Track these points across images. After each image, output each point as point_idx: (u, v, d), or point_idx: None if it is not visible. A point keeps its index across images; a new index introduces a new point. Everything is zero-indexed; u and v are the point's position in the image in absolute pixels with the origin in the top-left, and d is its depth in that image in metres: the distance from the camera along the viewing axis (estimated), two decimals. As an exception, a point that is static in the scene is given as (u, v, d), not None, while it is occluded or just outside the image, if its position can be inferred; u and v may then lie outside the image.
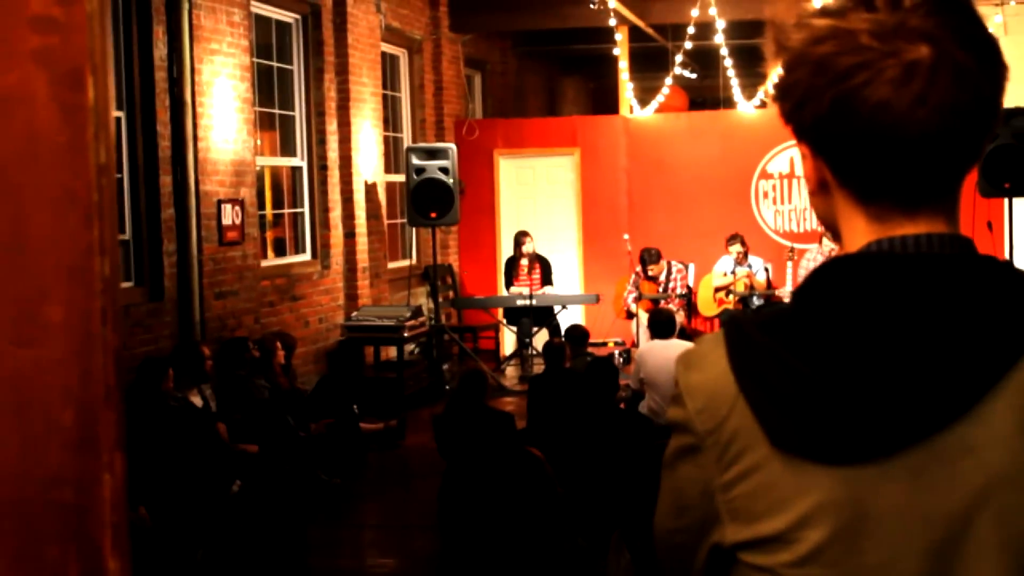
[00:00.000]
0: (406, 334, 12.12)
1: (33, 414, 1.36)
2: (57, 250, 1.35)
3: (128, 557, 1.41)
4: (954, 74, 1.39)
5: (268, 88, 11.86)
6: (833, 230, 1.54)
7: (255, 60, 11.08)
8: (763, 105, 18.28)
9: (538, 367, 11.61)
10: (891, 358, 1.38)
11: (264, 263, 11.33)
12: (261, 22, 11.51)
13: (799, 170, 15.34)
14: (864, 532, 1.38)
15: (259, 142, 11.29)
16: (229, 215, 10.21)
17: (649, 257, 13.97)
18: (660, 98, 17.65)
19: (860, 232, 1.46)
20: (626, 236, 14.92)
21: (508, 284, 14.52)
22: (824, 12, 1.46)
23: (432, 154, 12.99)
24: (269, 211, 11.92)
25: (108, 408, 1.37)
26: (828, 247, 13.56)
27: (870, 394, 1.37)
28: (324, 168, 12.57)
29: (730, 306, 13.60)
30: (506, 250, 15.03)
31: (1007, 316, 1.39)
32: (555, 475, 6.56)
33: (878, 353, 1.38)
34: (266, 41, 11.80)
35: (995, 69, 1.44)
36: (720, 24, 14.19)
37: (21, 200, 1.36)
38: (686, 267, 14.36)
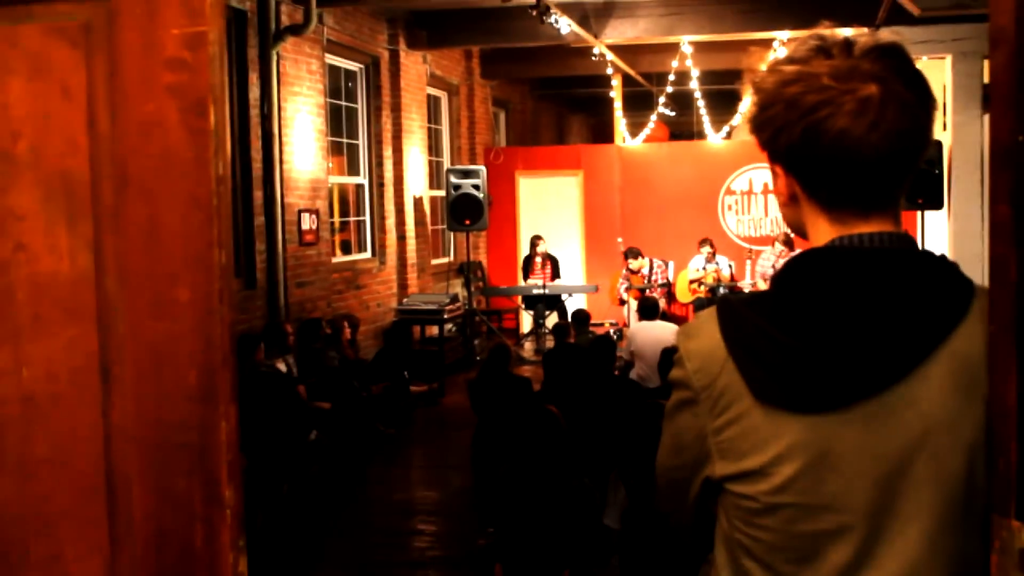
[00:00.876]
0: (445, 316, 12.12)
1: (166, 374, 1.37)
2: (185, 244, 1.36)
3: (240, 488, 1.40)
4: (899, 106, 1.39)
5: (338, 122, 11.84)
6: (800, 232, 1.52)
7: (328, 100, 11.06)
8: (728, 136, 18.20)
9: (550, 342, 11.57)
10: (850, 329, 1.37)
11: (334, 260, 11.31)
12: (333, 70, 11.49)
13: (757, 188, 15.32)
14: (826, 467, 1.37)
15: (331, 164, 11.27)
16: (307, 222, 10.21)
17: (630, 253, 13.95)
18: (646, 131, 17.66)
19: (825, 232, 1.45)
20: (619, 239, 14.86)
21: (525, 276, 14.46)
22: (791, 60, 1.45)
23: (466, 174, 12.95)
24: (337, 219, 11.90)
25: (224, 369, 1.37)
26: (779, 248, 13.50)
27: (833, 358, 1.37)
28: (381, 185, 12.56)
29: (701, 295, 13.55)
30: (524, 250, 14.99)
31: (941, 297, 1.39)
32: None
33: (840, 325, 1.37)
34: (336, 85, 11.78)
35: (929, 102, 1.44)
36: (695, 73, 14.13)
37: (157, 204, 1.36)
38: (666, 264, 14.31)
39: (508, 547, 2.93)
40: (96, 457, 1.39)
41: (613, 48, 12.97)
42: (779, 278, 1.45)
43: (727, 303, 1.48)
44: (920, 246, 1.46)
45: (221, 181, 1.34)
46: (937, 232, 11.66)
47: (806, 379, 1.38)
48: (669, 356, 7.11)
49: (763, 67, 1.47)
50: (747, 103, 1.55)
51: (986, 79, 11.27)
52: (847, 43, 1.41)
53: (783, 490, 1.38)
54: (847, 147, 1.38)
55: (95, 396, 1.39)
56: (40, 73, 1.38)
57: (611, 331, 13.02)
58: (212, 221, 1.35)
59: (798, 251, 1.49)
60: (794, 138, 1.41)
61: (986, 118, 11.00)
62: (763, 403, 1.39)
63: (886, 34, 1.44)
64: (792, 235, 13.46)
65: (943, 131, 11.03)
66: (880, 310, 1.37)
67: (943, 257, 1.42)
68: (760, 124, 1.46)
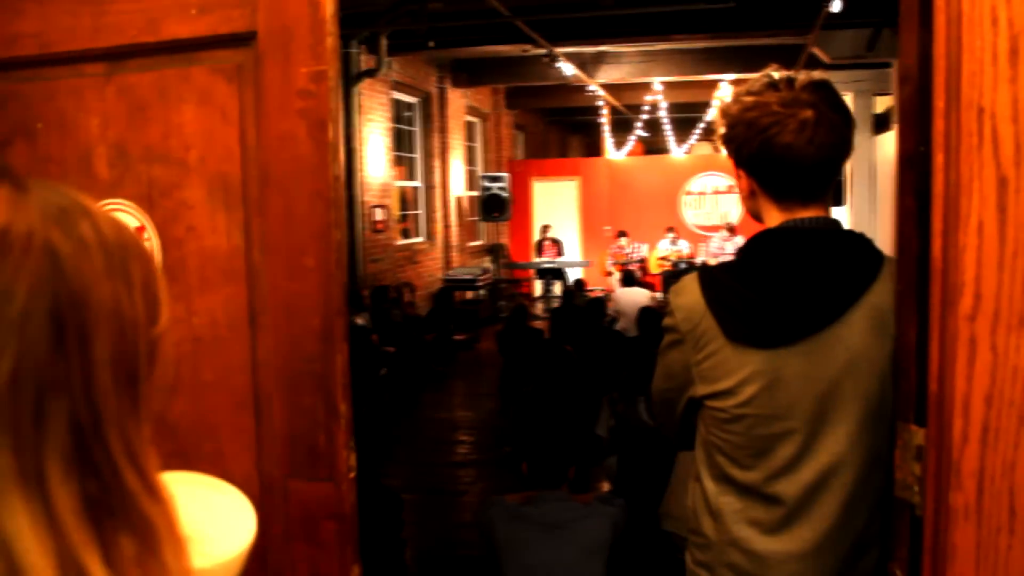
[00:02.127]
0: (478, 284, 12.05)
1: (297, 320, 1.36)
2: (311, 224, 1.34)
3: (351, 405, 1.39)
4: (829, 126, 1.37)
5: (400, 141, 11.75)
6: (758, 217, 1.49)
7: (393, 124, 10.99)
8: (688, 151, 18.03)
9: (555, 304, 11.53)
10: (796, 286, 1.36)
11: (397, 243, 11.24)
12: (397, 103, 11.41)
13: (708, 190, 15.16)
14: (778, 387, 1.36)
15: (395, 172, 11.22)
16: (378, 215, 10.14)
17: (621, 235, 13.93)
18: (628, 147, 17.47)
19: (776, 216, 1.43)
20: (607, 228, 14.76)
21: (538, 254, 14.38)
22: (749, 92, 1.43)
23: (495, 179, 12.86)
24: (397, 212, 11.87)
25: (339, 317, 1.36)
26: (724, 234, 13.40)
27: (784, 307, 1.36)
28: (432, 188, 12.47)
29: (667, 268, 13.40)
30: (536, 235, 14.90)
31: (860, 263, 1.38)
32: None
33: (788, 283, 1.36)
34: (399, 113, 11.69)
35: (850, 122, 1.42)
36: (663, 104, 13.99)
37: (290, 196, 1.34)
38: (641, 246, 14.25)
39: (531, 450, 2.94)
40: (246, 381, 1.39)
41: (603, 86, 12.82)
42: (744, 250, 1.43)
43: (705, 269, 1.46)
44: (843, 227, 1.44)
45: (337, 179, 1.34)
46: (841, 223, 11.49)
47: (764, 323, 1.36)
48: (645, 313, 7.13)
49: (729, 99, 1.45)
50: (713, 125, 1.53)
51: (876, 110, 11.11)
52: (790, 79, 1.39)
53: (746, 404, 1.37)
54: (791, 156, 1.36)
55: (245, 337, 1.39)
56: (206, 102, 1.37)
57: (601, 295, 12.96)
58: (331, 209, 1.34)
59: (741, 237, 1.47)
60: (753, 150, 1.40)
61: (875, 139, 10.85)
62: (732, 341, 1.38)
63: (818, 73, 1.42)
64: (734, 224, 13.49)
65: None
66: (817, 272, 1.36)
67: (862, 234, 1.41)
68: (728, 139, 1.45)
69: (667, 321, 1.48)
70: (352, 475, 1.36)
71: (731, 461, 1.40)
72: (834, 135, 1.36)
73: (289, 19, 1.31)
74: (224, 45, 1.36)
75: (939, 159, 1.04)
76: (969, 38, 0.98)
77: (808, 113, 1.35)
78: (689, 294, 1.44)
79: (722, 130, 1.46)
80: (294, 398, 1.36)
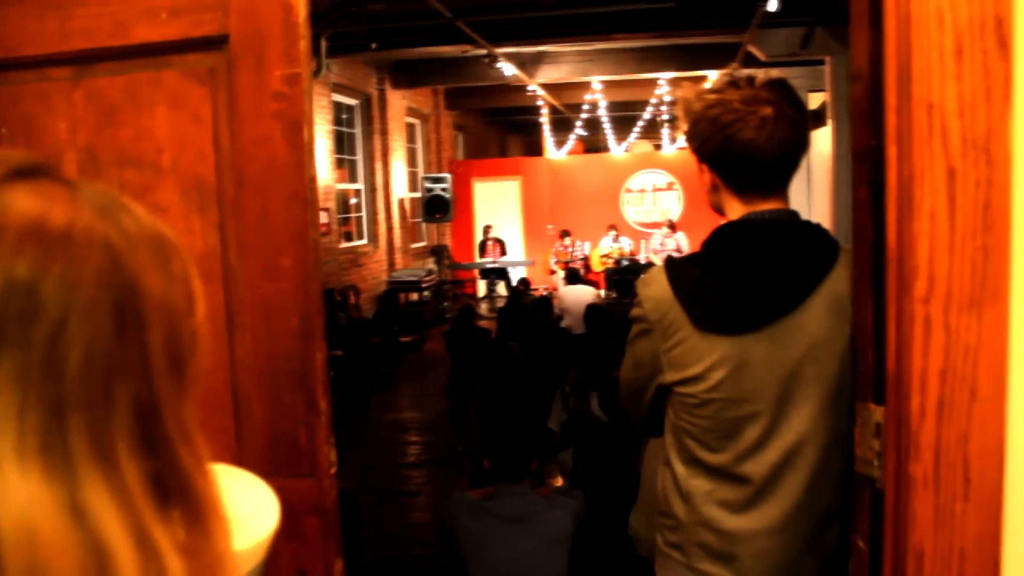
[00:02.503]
0: (423, 285, 12.01)
1: (276, 319, 1.37)
2: (288, 225, 1.35)
3: (330, 402, 1.41)
4: (787, 122, 1.41)
5: (341, 143, 11.69)
6: (720, 210, 1.52)
7: (334, 127, 10.93)
8: (627, 150, 18.23)
9: (499, 303, 11.57)
10: (757, 275, 1.40)
11: (341, 245, 11.18)
12: (337, 105, 11.34)
13: (648, 187, 15.36)
14: (744, 372, 1.40)
15: (337, 175, 11.15)
16: (322, 217, 10.10)
17: (564, 234, 14.04)
18: (568, 146, 17.61)
19: (737, 209, 1.47)
20: (549, 226, 14.85)
21: (481, 255, 14.41)
22: (712, 91, 1.46)
23: (437, 180, 12.85)
24: (339, 215, 11.80)
25: (318, 316, 1.38)
26: (665, 231, 13.58)
27: (748, 295, 1.40)
28: (374, 190, 12.41)
29: (610, 265, 13.55)
30: (479, 235, 14.92)
31: (818, 252, 1.42)
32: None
33: (750, 273, 1.40)
34: (339, 115, 11.62)
35: (806, 118, 1.46)
36: (603, 103, 14.15)
37: (267, 198, 1.35)
38: (584, 244, 14.37)
39: (493, 446, 2.98)
40: (225, 381, 1.39)
41: (543, 86, 12.92)
42: (709, 242, 1.46)
43: (672, 261, 1.49)
44: (801, 218, 1.48)
45: (312, 180, 1.35)
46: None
47: (730, 311, 1.40)
48: (591, 310, 7.22)
49: (692, 96, 1.47)
50: (677, 123, 1.57)
51: (811, 107, 11.39)
52: (750, 78, 1.44)
53: (714, 389, 1.41)
54: (752, 151, 1.41)
55: (223, 337, 1.39)
56: (178, 105, 1.38)
57: (545, 293, 13.05)
58: (306, 208, 1.35)
59: (682, 233, 1.52)
60: (716, 145, 1.43)
61: (812, 134, 11.12)
62: (700, 329, 1.41)
63: (776, 72, 1.48)
64: (674, 221, 13.69)
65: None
66: (778, 262, 1.40)
67: (818, 225, 1.46)
68: (692, 135, 1.48)
69: (635, 312, 1.51)
70: (333, 471, 1.38)
71: (700, 444, 1.45)
72: (792, 131, 1.41)
73: (262, 23, 1.32)
74: (196, 49, 1.37)
75: (892, 152, 1.11)
76: (918, 38, 1.05)
77: (768, 110, 1.40)
78: (657, 285, 1.47)
79: (685, 127, 1.50)
80: (274, 396, 1.37)
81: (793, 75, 10.73)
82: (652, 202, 15.39)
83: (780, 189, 1.47)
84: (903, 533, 1.16)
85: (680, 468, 1.48)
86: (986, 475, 1.12)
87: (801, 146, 1.44)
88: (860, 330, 1.27)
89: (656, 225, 14.57)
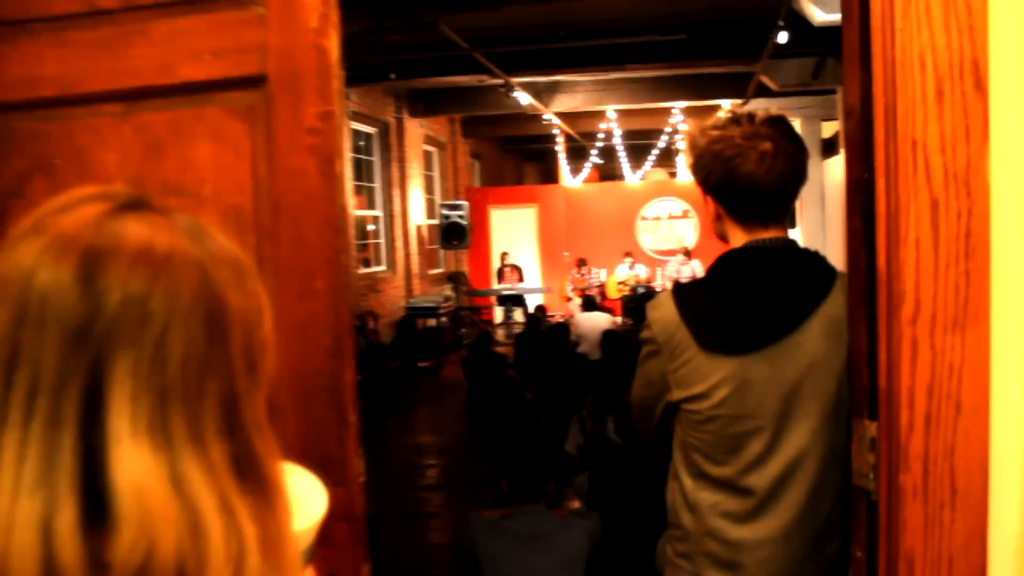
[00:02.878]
0: (440, 312, 12.09)
1: (309, 338, 1.42)
2: (320, 251, 1.42)
3: (359, 415, 1.48)
4: (785, 156, 1.49)
5: (359, 170, 11.87)
6: (724, 238, 1.60)
7: (352, 155, 11.10)
8: (643, 178, 18.34)
9: (516, 329, 11.65)
10: (758, 299, 1.46)
11: (360, 271, 11.33)
12: (356, 133, 11.53)
13: (663, 215, 15.43)
14: (747, 389, 1.46)
15: (355, 202, 11.30)
16: (340, 243, 10.18)
17: (581, 263, 14.11)
18: (583, 174, 17.74)
19: (740, 237, 1.54)
20: (565, 253, 14.96)
21: (499, 281, 14.50)
22: (715, 127, 1.53)
23: (454, 207, 12.96)
24: (357, 241, 11.93)
25: (349, 335, 1.44)
26: (680, 258, 13.63)
27: (750, 318, 1.46)
28: (391, 216, 12.55)
29: (626, 292, 13.60)
30: (496, 262, 15.02)
31: (816, 277, 1.49)
32: (526, 388, 6.64)
33: (752, 297, 1.46)
34: (358, 143, 11.80)
35: (804, 152, 1.53)
36: (617, 132, 14.29)
37: (301, 225, 1.42)
38: (600, 271, 14.44)
39: (509, 468, 3.06)
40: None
41: (558, 114, 13.08)
42: (713, 268, 1.54)
43: (679, 286, 1.56)
44: (800, 246, 1.57)
45: (343, 209, 1.44)
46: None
47: (733, 332, 1.47)
48: (608, 336, 7.28)
49: (696, 132, 1.56)
50: (679, 153, 1.66)
51: (823, 135, 11.48)
52: (750, 115, 1.52)
53: (719, 406, 1.48)
54: (753, 184, 1.48)
55: None
56: (219, 139, 1.46)
57: (562, 320, 13.11)
58: (338, 236, 1.43)
59: (697, 261, 1.60)
60: (719, 178, 1.51)
61: (824, 163, 11.20)
62: (705, 350, 1.48)
63: (775, 109, 1.57)
64: (690, 248, 13.75)
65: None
66: (778, 286, 1.47)
67: (816, 252, 1.53)
68: (697, 169, 1.56)
69: (645, 334, 1.58)
70: (361, 479, 1.46)
71: (706, 458, 1.52)
72: (790, 164, 1.50)
73: (298, 64, 1.43)
74: (236, 87, 1.47)
75: (881, 185, 1.20)
76: (902, 81, 1.14)
77: (767, 145, 1.48)
78: (665, 308, 1.55)
79: (690, 160, 1.59)
80: (307, 410, 1.45)
81: (805, 104, 10.84)
82: (668, 230, 15.46)
83: (779, 218, 1.55)
84: (895, 540, 1.23)
85: (688, 481, 1.55)
86: (972, 485, 1.19)
87: (799, 178, 1.53)
88: (855, 351, 1.34)
89: (672, 253, 14.63)
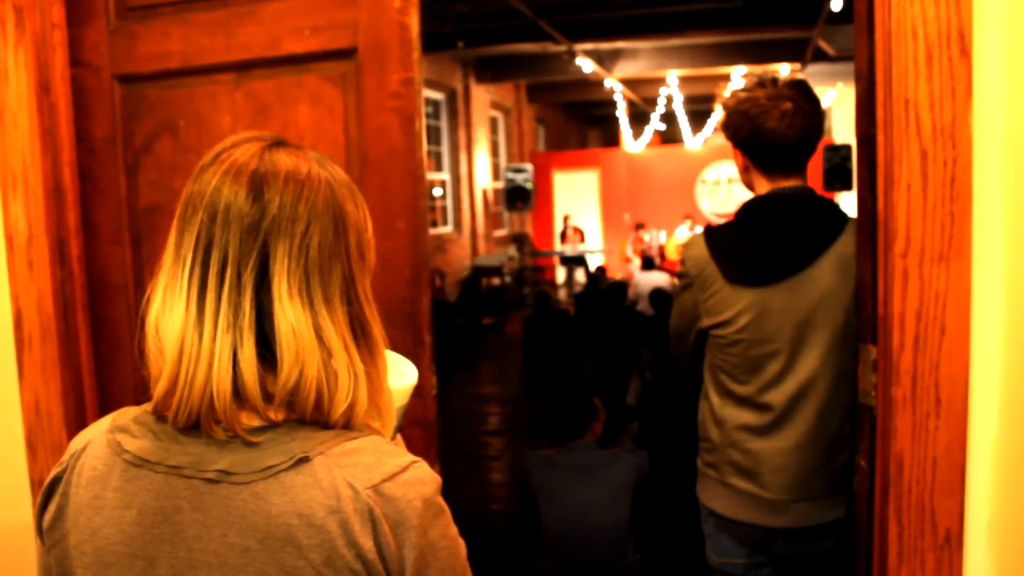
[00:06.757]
0: (504, 271, 12.28)
1: (391, 270, 1.63)
2: (402, 195, 1.63)
3: (433, 337, 1.70)
4: (803, 114, 1.63)
5: (428, 135, 12.01)
6: (751, 187, 1.75)
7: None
8: (704, 142, 18.17)
9: (578, 289, 11.76)
10: (777, 238, 1.61)
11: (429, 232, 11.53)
12: (424, 100, 11.66)
13: (723, 178, 15.32)
14: (765, 317, 1.61)
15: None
16: (409, 205, 10.39)
17: (639, 227, 14.13)
18: (645, 139, 17.65)
19: (764, 186, 1.70)
20: (626, 215, 14.98)
21: (561, 242, 14.60)
22: (744, 90, 1.68)
23: (518, 171, 12.93)
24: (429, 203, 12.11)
25: (425, 268, 1.65)
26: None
27: (769, 254, 1.61)
28: (458, 179, 12.75)
29: (685, 254, 13.54)
30: (559, 224, 15.11)
31: (829, 221, 1.63)
32: (585, 344, 6.77)
33: (773, 236, 1.61)
34: (426, 109, 11.98)
35: (820, 111, 1.67)
36: (678, 96, 14.21)
37: (385, 175, 1.63)
38: (660, 233, 14.46)
39: (555, 408, 3.27)
40: None
41: (620, 80, 13.08)
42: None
43: (710, 229, 1.73)
44: (817, 194, 1.70)
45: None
46: (850, 203, 11.62)
47: (755, 267, 1.62)
48: (656, 294, 7.39)
49: (728, 94, 1.73)
50: (718, 116, 1.81)
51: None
52: (774, 79, 1.67)
53: (742, 331, 1.63)
54: (775, 138, 1.63)
55: None
56: (316, 102, 1.68)
57: (621, 280, 13.17)
58: (417, 184, 1.63)
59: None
60: (746, 133, 1.67)
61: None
62: (730, 282, 1.64)
63: (795, 74, 1.72)
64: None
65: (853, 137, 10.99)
66: (795, 227, 1.62)
67: (831, 200, 1.68)
68: (727, 126, 1.72)
69: (681, 269, 1.76)
70: (434, 392, 1.68)
71: (731, 378, 1.69)
72: (807, 121, 1.64)
73: (383, 38, 1.63)
74: (331, 58, 1.68)
75: (880, 138, 1.35)
76: (897, 48, 1.29)
77: (788, 105, 1.63)
78: (697, 247, 1.72)
79: (723, 118, 1.75)
80: (388, 332, 1.66)
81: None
82: (727, 193, 15.33)
83: (799, 169, 1.69)
84: (887, 445, 1.40)
85: (715, 399, 1.73)
86: (954, 397, 1.35)
87: (815, 133, 1.67)
88: (861, 283, 1.48)
89: (730, 215, 14.50)
